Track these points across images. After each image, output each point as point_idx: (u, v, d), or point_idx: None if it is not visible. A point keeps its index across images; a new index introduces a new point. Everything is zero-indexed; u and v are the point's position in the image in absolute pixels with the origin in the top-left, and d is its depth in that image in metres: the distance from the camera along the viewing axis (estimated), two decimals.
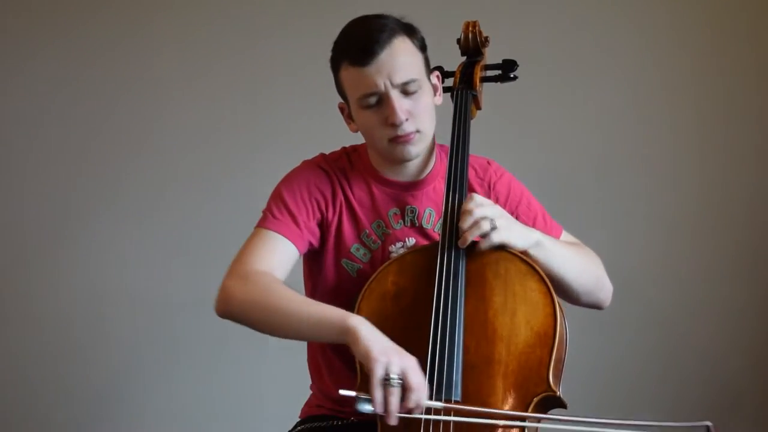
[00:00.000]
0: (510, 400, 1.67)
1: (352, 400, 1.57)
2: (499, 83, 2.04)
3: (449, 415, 1.61)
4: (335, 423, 1.92)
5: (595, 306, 1.95)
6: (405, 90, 1.81)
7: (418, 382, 1.56)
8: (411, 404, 1.56)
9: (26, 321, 3.20)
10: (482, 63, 2.01)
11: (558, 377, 1.72)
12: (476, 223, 1.74)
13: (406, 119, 1.81)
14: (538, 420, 1.70)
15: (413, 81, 1.81)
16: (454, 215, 1.78)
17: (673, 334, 3.15)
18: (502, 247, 1.76)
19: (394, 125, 1.81)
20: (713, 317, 3.15)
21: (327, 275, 1.92)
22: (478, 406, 1.65)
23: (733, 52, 3.17)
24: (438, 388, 1.63)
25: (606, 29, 3.20)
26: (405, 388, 1.56)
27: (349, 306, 1.76)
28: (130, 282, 3.20)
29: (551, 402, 1.69)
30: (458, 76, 1.97)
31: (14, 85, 3.25)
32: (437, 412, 1.60)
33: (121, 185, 3.24)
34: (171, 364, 3.21)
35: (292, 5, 3.25)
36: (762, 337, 3.12)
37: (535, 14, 3.19)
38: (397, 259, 1.82)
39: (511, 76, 2.03)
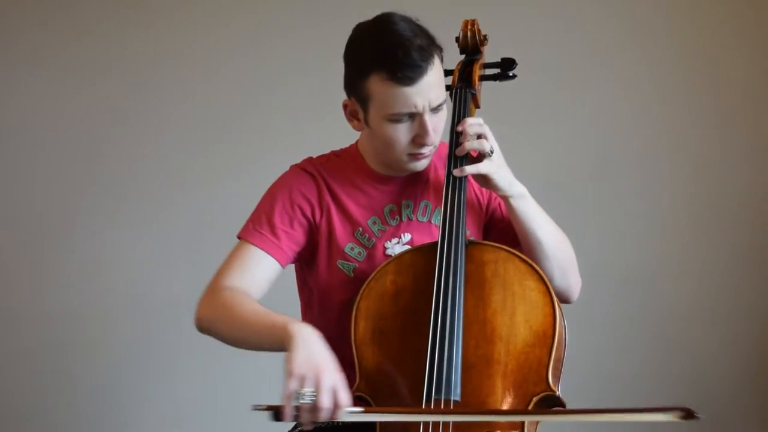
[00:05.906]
0: (509, 400, 1.67)
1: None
2: (497, 82, 2.03)
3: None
4: (335, 423, 1.90)
5: (566, 294, 1.88)
6: (435, 109, 1.78)
7: (326, 401, 1.52)
8: (320, 420, 1.53)
9: (33, 319, 3.20)
10: (481, 61, 2.00)
11: (557, 377, 1.72)
12: (481, 139, 1.78)
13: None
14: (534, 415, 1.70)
15: (444, 102, 1.80)
16: (453, 215, 1.78)
17: (670, 334, 3.14)
18: (484, 178, 1.79)
19: (423, 144, 1.80)
20: (711, 316, 3.14)
21: (323, 278, 1.90)
22: (477, 406, 1.65)
23: (729, 53, 3.15)
24: (438, 387, 1.63)
25: (605, 28, 3.18)
26: (316, 407, 1.52)
27: (349, 306, 1.76)
28: (137, 282, 3.21)
29: (551, 401, 1.69)
30: (457, 74, 1.96)
31: (21, 88, 3.25)
32: None
33: (127, 186, 3.24)
34: (173, 365, 3.20)
35: (294, 8, 3.25)
36: (759, 337, 3.11)
37: (536, 13, 3.18)
38: (395, 258, 1.80)
39: (510, 74, 2.01)
